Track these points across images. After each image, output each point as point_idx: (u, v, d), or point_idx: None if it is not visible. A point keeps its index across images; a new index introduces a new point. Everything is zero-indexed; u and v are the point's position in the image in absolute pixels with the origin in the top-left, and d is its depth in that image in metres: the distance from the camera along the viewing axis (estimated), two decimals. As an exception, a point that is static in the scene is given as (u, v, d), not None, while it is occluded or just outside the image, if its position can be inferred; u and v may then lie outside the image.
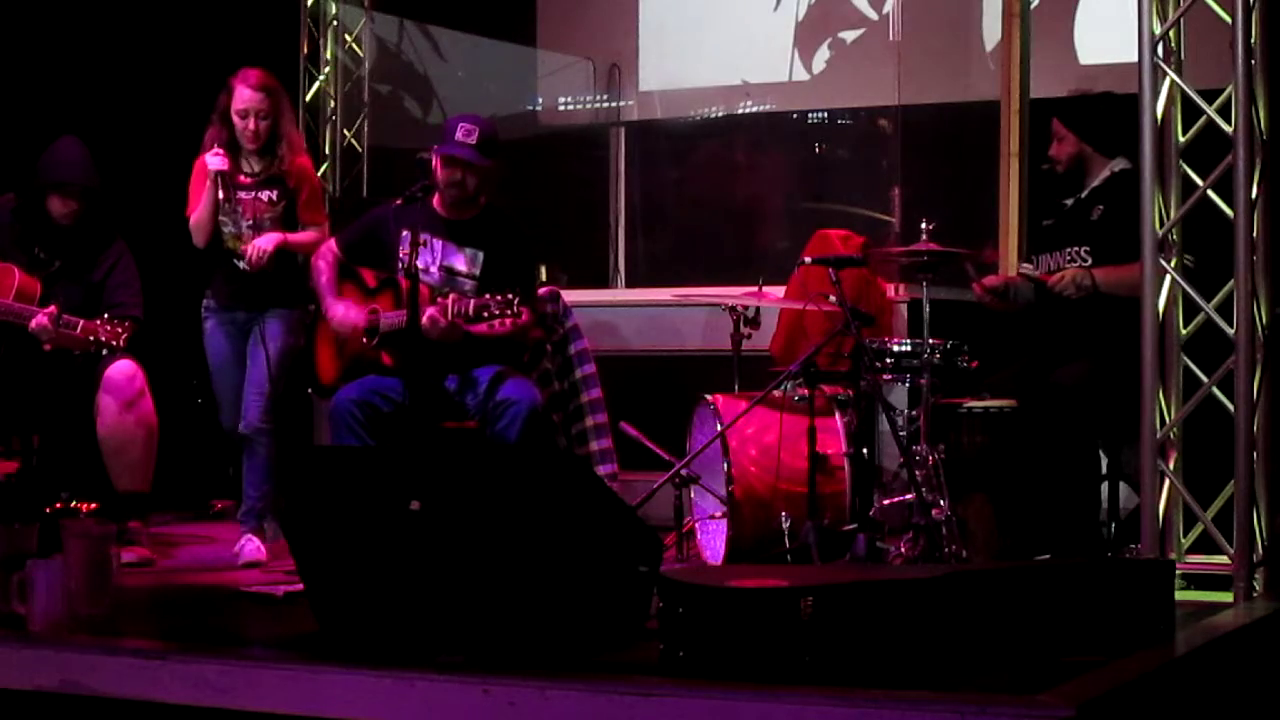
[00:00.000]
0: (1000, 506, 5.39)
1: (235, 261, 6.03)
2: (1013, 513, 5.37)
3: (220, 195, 5.99)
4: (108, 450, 5.89)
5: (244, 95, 5.98)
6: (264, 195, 6.03)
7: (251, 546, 5.95)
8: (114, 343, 5.69)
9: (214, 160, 5.97)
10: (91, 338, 5.69)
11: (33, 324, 5.75)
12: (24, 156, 6.15)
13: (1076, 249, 5.57)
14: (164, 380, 6.15)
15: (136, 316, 5.96)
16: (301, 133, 6.23)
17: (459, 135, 5.69)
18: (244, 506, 6.08)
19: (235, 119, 6.00)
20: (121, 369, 5.89)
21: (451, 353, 5.60)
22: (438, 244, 5.74)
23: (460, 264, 5.76)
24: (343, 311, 5.84)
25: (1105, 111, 5.66)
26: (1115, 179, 5.56)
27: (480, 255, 5.75)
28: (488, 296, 5.41)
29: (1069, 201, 5.71)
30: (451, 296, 5.50)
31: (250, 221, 6.02)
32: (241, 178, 6.04)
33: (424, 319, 5.34)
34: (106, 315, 5.76)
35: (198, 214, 6.02)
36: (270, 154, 6.03)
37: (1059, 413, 5.27)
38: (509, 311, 5.34)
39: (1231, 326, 4.78)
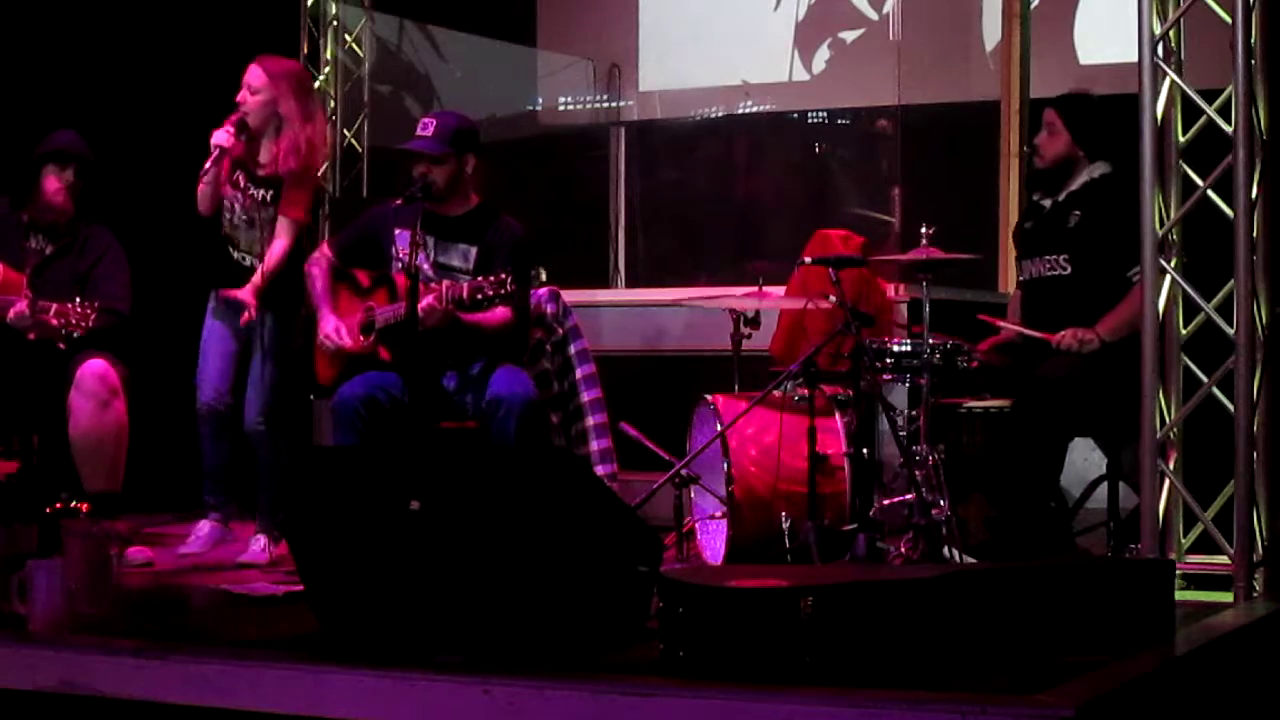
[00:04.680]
0: (1000, 506, 5.40)
1: (229, 249, 6.06)
2: (1011, 512, 5.37)
3: (225, 176, 6.01)
4: (80, 450, 5.81)
5: (249, 69, 6.01)
6: (258, 193, 6.03)
7: (256, 547, 5.96)
8: (82, 323, 5.64)
9: (218, 134, 5.95)
10: (60, 320, 5.65)
11: (11, 313, 5.71)
12: (22, 157, 6.15)
13: (1055, 257, 5.54)
14: (162, 380, 6.14)
15: (120, 310, 5.92)
16: (321, 141, 6.16)
17: (418, 130, 5.73)
18: (258, 507, 6.13)
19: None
20: (93, 368, 5.82)
21: (449, 347, 5.60)
22: (432, 241, 5.74)
23: (454, 260, 5.76)
24: (333, 327, 5.80)
25: (1104, 116, 5.63)
26: (1093, 185, 5.52)
27: (473, 251, 5.75)
28: (481, 279, 5.41)
29: (1046, 203, 5.68)
30: (445, 283, 5.51)
31: (245, 216, 6.04)
32: (256, 168, 6.04)
33: (420, 307, 5.34)
34: (79, 300, 5.70)
35: (200, 185, 6.02)
36: (280, 151, 6.00)
37: (1048, 406, 5.26)
38: (503, 292, 5.34)
39: (1231, 326, 4.78)
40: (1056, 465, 5.34)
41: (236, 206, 6.06)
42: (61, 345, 5.74)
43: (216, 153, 5.95)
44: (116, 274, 6.06)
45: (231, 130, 5.95)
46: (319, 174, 6.17)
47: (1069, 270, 5.51)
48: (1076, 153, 5.57)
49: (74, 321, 5.64)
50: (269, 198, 6.01)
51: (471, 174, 5.79)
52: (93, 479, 5.83)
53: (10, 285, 5.88)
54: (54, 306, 5.65)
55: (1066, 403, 5.26)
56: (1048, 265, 5.57)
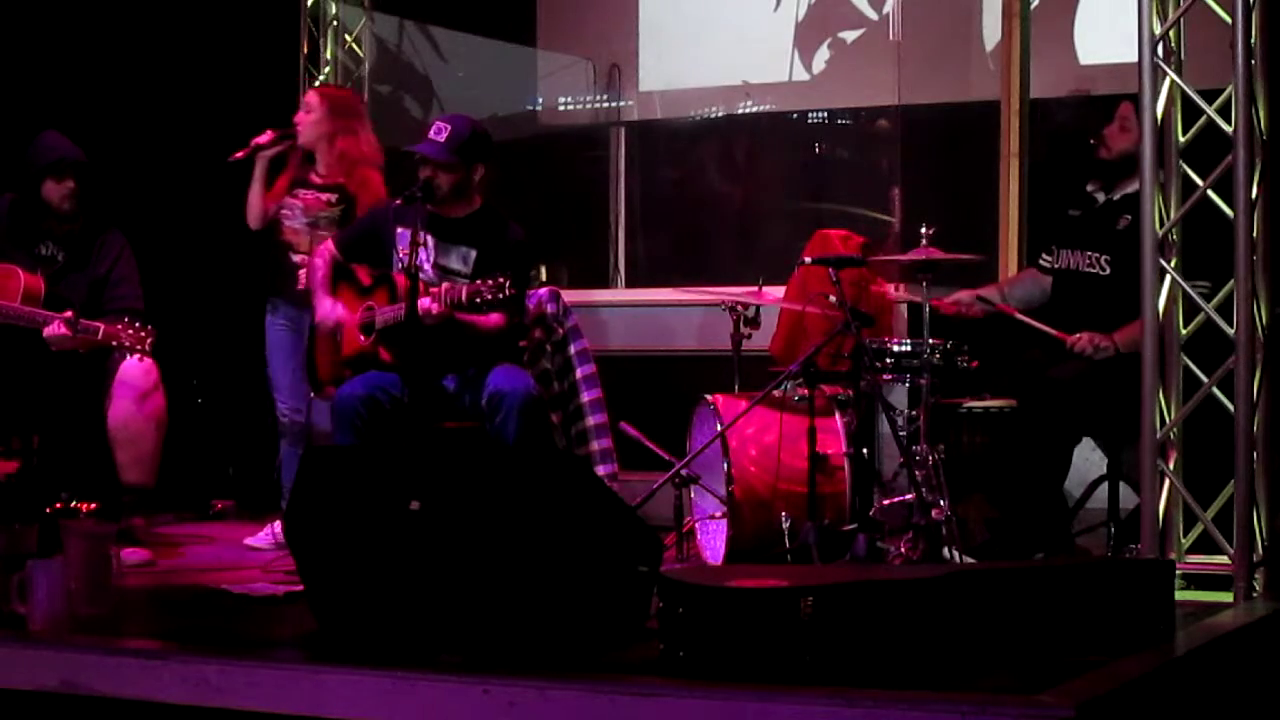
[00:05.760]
0: (1000, 506, 5.40)
1: (290, 254, 6.33)
2: (1013, 513, 5.37)
3: (282, 190, 6.37)
4: (118, 441, 5.90)
5: (308, 93, 6.50)
6: (321, 195, 6.31)
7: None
8: (139, 347, 5.72)
9: (261, 137, 6.33)
10: (115, 342, 5.72)
11: (47, 332, 5.75)
12: (23, 157, 6.15)
13: (1096, 255, 5.52)
14: (165, 379, 6.14)
15: (138, 309, 5.99)
16: (372, 152, 6.45)
17: (429, 134, 5.75)
18: (283, 493, 6.22)
19: None
20: (138, 363, 5.90)
21: (449, 349, 5.60)
22: (432, 242, 5.74)
23: (454, 262, 5.77)
24: (329, 306, 5.89)
25: None
26: None
27: (473, 254, 5.76)
28: (479, 283, 5.42)
29: (1100, 197, 5.64)
30: (445, 285, 5.52)
31: (308, 219, 6.30)
32: (313, 177, 6.35)
33: (419, 310, 5.35)
34: (127, 319, 5.79)
35: (249, 192, 6.39)
36: (333, 160, 6.34)
37: (1056, 409, 5.26)
38: (501, 295, 5.34)
39: (1231, 326, 4.78)
40: (1063, 468, 5.33)
41: (297, 211, 6.31)
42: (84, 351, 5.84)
43: (251, 147, 6.30)
44: (131, 275, 6.18)
45: (273, 133, 6.33)
46: (374, 181, 6.38)
47: (1108, 272, 5.49)
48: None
49: (128, 344, 5.73)
50: (332, 200, 6.30)
51: (478, 180, 5.80)
52: (130, 470, 5.91)
53: (31, 291, 5.90)
54: (102, 327, 5.71)
55: (1074, 405, 5.26)
56: (1087, 260, 5.55)
